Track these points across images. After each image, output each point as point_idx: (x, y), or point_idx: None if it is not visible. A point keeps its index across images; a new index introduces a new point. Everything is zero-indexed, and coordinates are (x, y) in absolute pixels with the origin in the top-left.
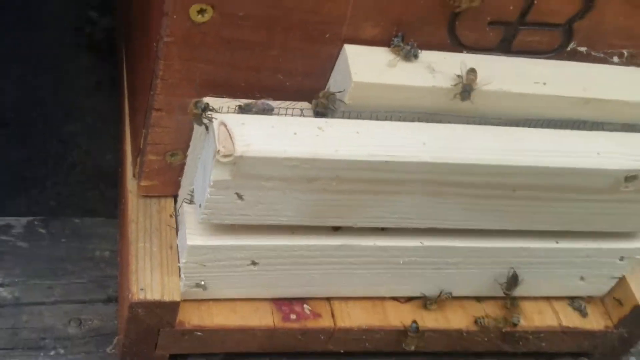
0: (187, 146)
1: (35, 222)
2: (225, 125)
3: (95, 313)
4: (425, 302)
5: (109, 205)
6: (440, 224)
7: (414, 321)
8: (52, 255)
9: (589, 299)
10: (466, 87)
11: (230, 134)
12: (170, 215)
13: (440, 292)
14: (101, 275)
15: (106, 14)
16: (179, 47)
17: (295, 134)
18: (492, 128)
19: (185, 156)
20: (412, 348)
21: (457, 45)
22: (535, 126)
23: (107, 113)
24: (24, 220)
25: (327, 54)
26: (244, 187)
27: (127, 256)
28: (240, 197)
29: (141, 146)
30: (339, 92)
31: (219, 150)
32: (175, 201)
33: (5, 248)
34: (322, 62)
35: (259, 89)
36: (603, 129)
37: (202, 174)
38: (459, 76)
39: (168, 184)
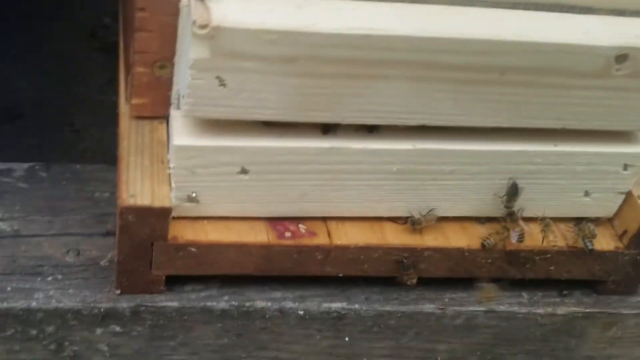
0: (174, 55)
1: (37, 167)
2: (202, 0)
3: (93, 245)
4: (413, 223)
5: None
6: (431, 119)
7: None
8: (52, 195)
9: (598, 221)
10: None
11: (207, 7)
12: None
13: (430, 210)
14: (100, 212)
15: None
16: None
17: (272, 9)
18: (478, 8)
19: (173, 68)
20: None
21: None
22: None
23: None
24: (25, 165)
25: None
26: (224, 69)
27: (119, 171)
28: (221, 81)
29: (130, 61)
30: None
31: (195, 21)
32: (167, 122)
33: (5, 188)
34: None
35: None
36: (591, 14)
37: (184, 62)
38: None
39: (159, 102)
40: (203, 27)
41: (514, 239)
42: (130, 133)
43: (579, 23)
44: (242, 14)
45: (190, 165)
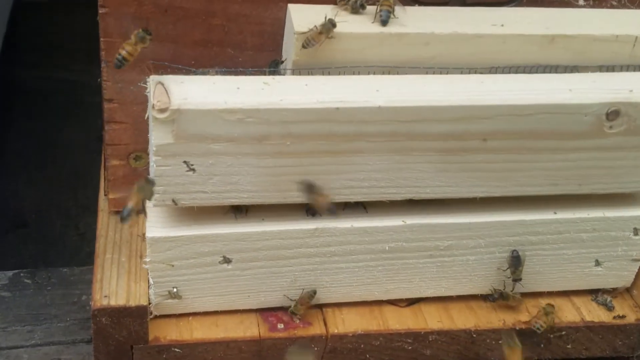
0: (148, 145)
1: (21, 274)
2: (162, 84)
3: (76, 353)
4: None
5: None
6: (417, 193)
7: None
8: (35, 302)
9: (615, 292)
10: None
11: (166, 90)
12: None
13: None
14: (86, 316)
15: None
16: (115, 18)
17: (238, 88)
18: (453, 76)
19: (149, 158)
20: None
21: (413, 2)
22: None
23: None
24: (9, 272)
25: (272, 18)
26: (191, 153)
27: (94, 270)
28: (190, 167)
29: (104, 153)
30: (284, 61)
31: (154, 105)
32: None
33: None
34: (270, 29)
35: (212, 67)
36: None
37: (150, 150)
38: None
39: None
40: (163, 110)
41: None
42: (108, 229)
43: (564, 81)
44: (205, 94)
45: (167, 258)
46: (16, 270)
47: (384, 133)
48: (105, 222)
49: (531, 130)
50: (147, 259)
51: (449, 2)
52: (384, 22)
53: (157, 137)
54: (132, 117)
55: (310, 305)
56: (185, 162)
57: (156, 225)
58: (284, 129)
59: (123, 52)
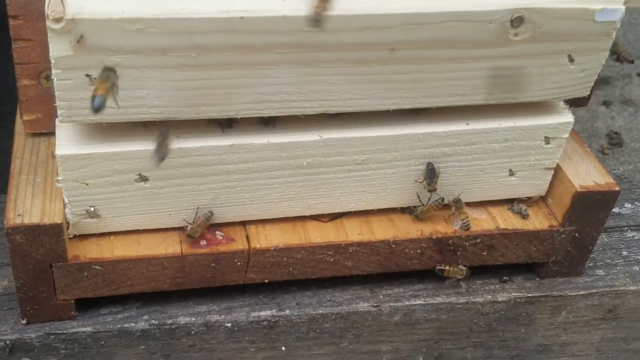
0: None
1: None
2: None
3: (2, 276)
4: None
5: None
6: (329, 106)
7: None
8: None
9: (530, 201)
10: None
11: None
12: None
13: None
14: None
15: None
16: None
17: None
18: None
19: None
20: None
21: None
22: None
23: None
24: None
25: None
26: (93, 66)
27: (8, 190)
28: (92, 80)
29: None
30: None
31: (48, 14)
32: None
33: None
34: None
35: None
36: None
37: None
38: None
39: (52, 116)
40: (57, 20)
41: (457, 226)
42: (25, 151)
43: None
44: (102, 2)
45: (80, 177)
46: None
47: (290, 44)
48: (22, 144)
49: (437, 39)
50: (60, 177)
51: None
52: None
53: (55, 49)
54: (40, 34)
55: (207, 226)
56: (87, 75)
57: (66, 142)
58: (188, 39)
59: None
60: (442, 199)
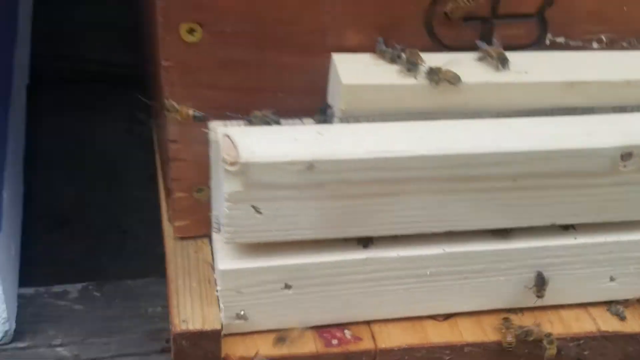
0: (209, 179)
1: (90, 287)
2: (229, 137)
3: None
4: None
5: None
6: (455, 226)
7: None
8: (106, 315)
9: (626, 303)
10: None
11: (234, 144)
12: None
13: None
14: (154, 328)
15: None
16: (178, 71)
17: (296, 139)
18: (484, 120)
19: (210, 190)
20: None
21: (438, 45)
22: (525, 116)
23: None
24: (79, 285)
25: (319, 66)
26: (259, 199)
27: (169, 294)
28: (257, 210)
29: (169, 186)
30: (332, 107)
31: (224, 159)
32: (210, 241)
33: (62, 312)
34: (317, 76)
35: (264, 110)
36: (594, 114)
37: (219, 193)
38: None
39: (200, 223)
40: (233, 164)
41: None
42: (176, 255)
43: (582, 125)
44: (268, 146)
45: (236, 286)
46: (85, 283)
47: (425, 177)
48: (172, 248)
49: (555, 171)
50: (219, 288)
51: (475, 47)
52: (411, 70)
53: (228, 186)
54: (195, 155)
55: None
56: (253, 206)
57: (226, 258)
58: (339, 176)
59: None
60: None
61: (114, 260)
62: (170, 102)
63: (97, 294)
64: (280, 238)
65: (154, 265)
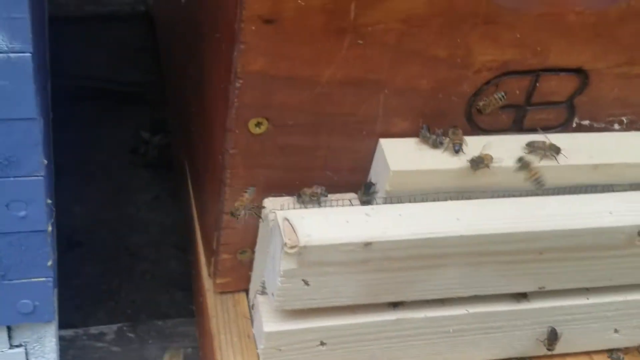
0: (254, 244)
1: (124, 328)
2: (288, 220)
3: None
4: None
5: (179, 307)
6: (482, 291)
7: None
8: (142, 356)
9: (626, 350)
10: (477, 159)
11: (293, 228)
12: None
13: None
14: None
15: (157, 133)
16: (242, 157)
17: (347, 221)
18: (514, 199)
19: (253, 253)
20: None
21: (476, 129)
22: (551, 193)
23: (168, 224)
24: (114, 327)
25: (366, 148)
26: (309, 274)
27: (212, 348)
28: (306, 283)
29: (214, 247)
30: (375, 185)
31: (286, 243)
32: (247, 294)
33: (101, 354)
34: (363, 156)
35: (312, 186)
36: (613, 190)
37: (271, 266)
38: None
39: (240, 279)
40: (292, 247)
41: None
42: (217, 309)
43: (604, 204)
44: (324, 230)
45: (277, 345)
46: (119, 324)
47: (462, 253)
48: (213, 302)
49: (578, 245)
50: (261, 346)
51: (509, 129)
52: (457, 152)
53: (284, 264)
54: (244, 224)
55: None
56: (303, 280)
57: (270, 321)
58: (384, 254)
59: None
60: None
61: (126, 282)
62: (236, 206)
63: (131, 335)
64: (323, 304)
65: (163, 288)
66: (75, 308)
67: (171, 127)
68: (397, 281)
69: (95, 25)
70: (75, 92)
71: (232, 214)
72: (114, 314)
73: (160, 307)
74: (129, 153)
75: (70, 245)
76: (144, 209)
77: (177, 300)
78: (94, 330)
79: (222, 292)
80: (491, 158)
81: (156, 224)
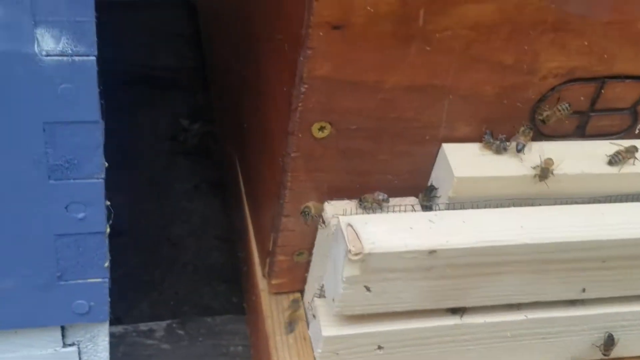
0: (312, 245)
1: (174, 325)
2: (352, 227)
3: None
4: None
5: (222, 300)
6: (542, 298)
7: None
8: (192, 354)
9: None
10: (544, 171)
11: (357, 234)
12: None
13: None
14: None
15: (197, 121)
16: (303, 160)
17: (411, 228)
18: (578, 206)
19: (310, 254)
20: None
21: (539, 135)
22: (614, 201)
23: (208, 214)
24: (163, 323)
25: (428, 153)
26: (371, 280)
27: (267, 349)
28: (368, 289)
29: (270, 249)
30: (437, 189)
31: (350, 250)
32: (302, 295)
33: (151, 351)
34: (424, 160)
35: (372, 190)
36: None
37: (333, 271)
38: (537, 166)
39: (295, 280)
40: (357, 254)
41: None
42: (272, 310)
43: None
44: (388, 237)
45: (335, 349)
46: (168, 321)
47: (525, 260)
48: (268, 303)
49: (637, 254)
50: (319, 350)
51: (571, 135)
52: (519, 151)
53: (347, 271)
54: (301, 226)
55: None
56: (365, 286)
57: (329, 325)
58: (448, 261)
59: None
60: None
61: (168, 273)
62: (308, 207)
63: (180, 332)
64: (381, 310)
65: (206, 279)
66: (119, 298)
67: (216, 117)
68: (458, 287)
69: (133, 10)
70: (114, 78)
71: (303, 213)
72: (157, 305)
73: (204, 299)
74: (168, 140)
75: (111, 234)
76: (184, 198)
77: (220, 292)
78: (143, 327)
79: (277, 293)
80: (552, 162)
81: (197, 214)
